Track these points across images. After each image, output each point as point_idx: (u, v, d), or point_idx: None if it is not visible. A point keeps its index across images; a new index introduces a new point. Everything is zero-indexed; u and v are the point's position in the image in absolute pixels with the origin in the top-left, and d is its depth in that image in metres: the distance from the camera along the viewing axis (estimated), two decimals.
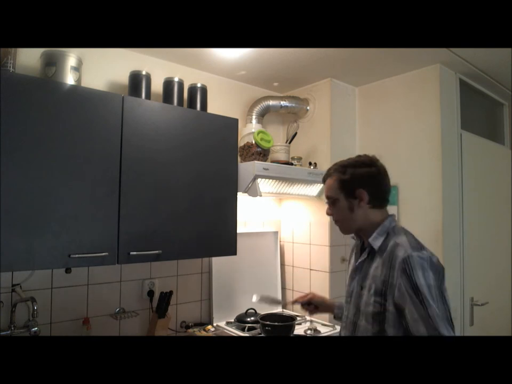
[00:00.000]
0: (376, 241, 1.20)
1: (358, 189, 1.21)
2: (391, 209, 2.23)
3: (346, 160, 1.27)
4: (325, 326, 2.20)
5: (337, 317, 1.50)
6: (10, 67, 1.50)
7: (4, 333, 1.55)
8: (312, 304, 1.54)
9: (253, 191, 1.94)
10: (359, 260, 1.26)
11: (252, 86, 2.50)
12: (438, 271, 1.10)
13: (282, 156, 2.31)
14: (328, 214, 1.31)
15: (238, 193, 1.94)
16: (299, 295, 1.62)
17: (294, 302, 1.58)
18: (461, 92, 2.30)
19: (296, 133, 2.38)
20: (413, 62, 2.14)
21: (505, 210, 2.63)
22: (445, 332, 1.02)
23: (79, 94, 1.48)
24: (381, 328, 1.12)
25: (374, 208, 1.23)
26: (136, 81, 1.82)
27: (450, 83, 2.23)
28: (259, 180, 1.95)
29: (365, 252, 1.24)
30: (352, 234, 1.34)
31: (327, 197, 1.28)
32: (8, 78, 1.33)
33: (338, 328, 2.15)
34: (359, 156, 1.28)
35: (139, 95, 1.79)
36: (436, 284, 1.07)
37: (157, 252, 1.63)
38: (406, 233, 1.21)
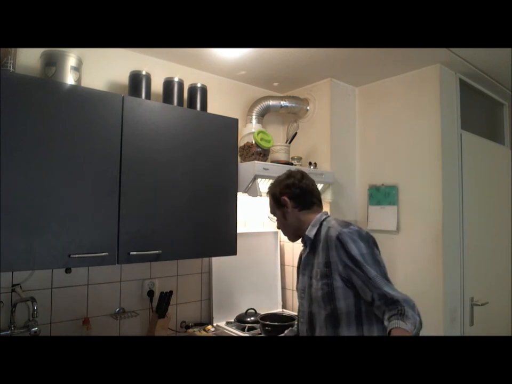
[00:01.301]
0: (310, 232, 1.39)
1: (281, 197, 1.42)
2: (391, 209, 2.26)
3: (277, 177, 1.51)
4: None
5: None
6: (10, 67, 1.50)
7: (4, 333, 1.55)
8: None
9: (253, 191, 1.94)
10: (304, 256, 1.43)
11: (252, 86, 2.50)
12: (368, 240, 1.28)
13: (282, 156, 2.31)
14: (277, 227, 1.52)
15: (238, 193, 1.94)
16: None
17: None
18: (461, 92, 2.30)
19: (296, 133, 2.38)
20: (413, 62, 2.14)
21: (505, 210, 2.63)
22: (387, 288, 1.19)
23: (79, 94, 1.48)
24: (333, 307, 1.28)
25: (304, 210, 1.42)
26: (136, 81, 1.82)
27: (450, 83, 2.23)
28: (259, 180, 1.95)
29: (307, 247, 1.41)
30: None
31: (271, 213, 1.52)
32: (8, 78, 1.33)
33: None
34: (285, 172, 1.50)
35: (139, 95, 1.79)
36: (368, 251, 1.25)
37: (157, 252, 1.63)
38: (336, 219, 1.39)
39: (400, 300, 1.16)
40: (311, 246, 1.39)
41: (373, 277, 1.21)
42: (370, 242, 1.29)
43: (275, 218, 1.50)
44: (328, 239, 1.30)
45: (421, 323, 1.15)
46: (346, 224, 1.33)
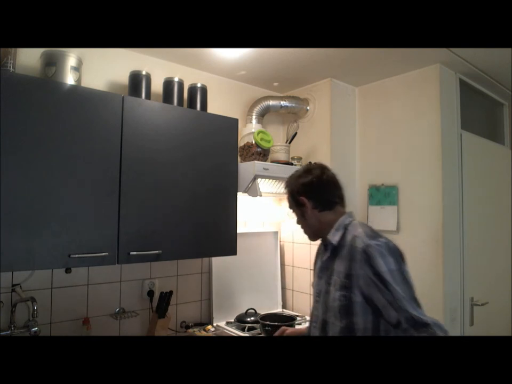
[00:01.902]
0: (334, 236, 1.27)
1: (299, 197, 1.31)
2: (391, 209, 2.26)
3: (295, 172, 1.39)
4: None
5: None
6: (10, 67, 1.50)
7: (4, 333, 1.55)
8: None
9: (253, 191, 1.94)
10: (323, 259, 1.32)
11: (252, 86, 2.50)
12: (397, 255, 1.16)
13: (282, 156, 2.31)
14: (296, 223, 1.40)
15: (238, 193, 1.94)
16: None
17: None
18: (461, 92, 2.30)
19: (296, 133, 2.38)
20: (413, 62, 2.14)
21: (505, 210, 2.63)
22: (413, 311, 1.08)
23: (79, 94, 1.48)
24: (349, 321, 1.17)
25: (325, 211, 1.30)
26: (136, 81, 1.82)
27: (450, 83, 2.23)
28: (259, 179, 1.95)
29: (328, 250, 1.30)
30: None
31: (290, 209, 1.40)
32: (8, 78, 1.33)
33: None
34: (303, 166, 1.40)
35: (139, 95, 1.79)
36: (396, 268, 1.12)
37: (157, 251, 1.63)
38: (362, 225, 1.27)
39: (430, 323, 1.06)
40: (332, 250, 1.28)
41: (400, 298, 1.09)
42: (399, 257, 1.16)
43: (294, 214, 1.39)
44: (352, 249, 1.18)
45: None
46: (375, 234, 1.21)
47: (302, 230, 1.40)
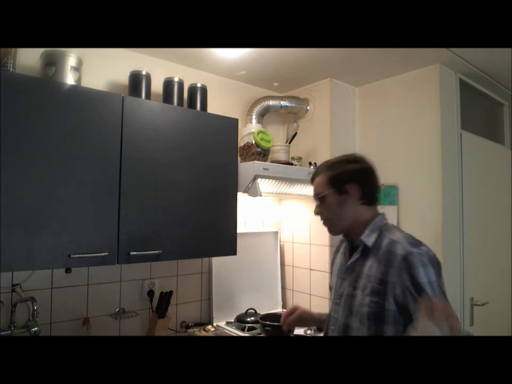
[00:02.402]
0: (369, 238, 1.18)
1: (348, 183, 1.18)
2: (391, 209, 2.26)
3: (334, 158, 1.27)
4: None
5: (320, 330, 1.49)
6: (10, 67, 1.50)
7: (4, 333, 1.55)
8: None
9: (253, 191, 1.94)
10: (351, 260, 1.22)
11: (252, 86, 2.50)
12: (437, 266, 1.10)
13: (282, 156, 2.31)
14: (316, 213, 1.27)
15: (238, 193, 1.94)
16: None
17: (284, 321, 1.43)
18: (461, 92, 2.30)
19: (296, 133, 2.38)
20: (413, 62, 2.14)
21: (505, 210, 2.63)
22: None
23: (79, 94, 1.48)
24: (378, 329, 1.10)
25: (364, 205, 1.21)
26: (136, 81, 1.82)
27: (450, 83, 2.23)
28: (259, 179, 1.95)
29: (357, 251, 1.21)
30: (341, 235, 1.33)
31: (316, 195, 1.25)
32: (8, 78, 1.33)
33: None
34: (346, 155, 1.27)
35: (139, 95, 1.79)
36: (436, 279, 1.07)
37: (157, 252, 1.63)
38: (400, 230, 1.20)
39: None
40: (362, 252, 1.19)
41: None
42: (439, 269, 1.10)
43: (321, 205, 1.25)
44: (391, 255, 1.11)
45: None
46: (416, 242, 1.13)
47: (324, 223, 1.27)
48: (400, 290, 1.07)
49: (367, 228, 1.19)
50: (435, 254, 1.12)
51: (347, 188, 1.19)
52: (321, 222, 1.28)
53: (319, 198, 1.24)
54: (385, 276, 1.10)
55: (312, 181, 1.28)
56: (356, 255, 1.21)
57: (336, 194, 1.20)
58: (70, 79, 1.59)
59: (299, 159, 2.35)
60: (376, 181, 1.24)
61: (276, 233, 2.55)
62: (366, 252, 1.18)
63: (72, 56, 1.61)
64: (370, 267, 1.15)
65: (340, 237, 1.37)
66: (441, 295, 1.05)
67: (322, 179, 1.23)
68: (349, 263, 1.23)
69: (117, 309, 1.90)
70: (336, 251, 1.37)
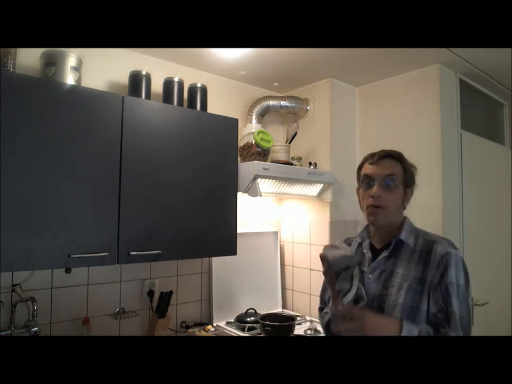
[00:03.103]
0: (408, 239, 1.19)
1: (414, 183, 1.23)
2: None
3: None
4: None
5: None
6: (10, 67, 1.50)
7: (4, 333, 1.55)
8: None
9: (253, 191, 1.94)
10: (377, 258, 1.20)
11: (252, 86, 2.50)
12: (467, 272, 1.13)
13: (282, 156, 2.31)
14: (375, 195, 1.18)
15: (238, 193, 1.94)
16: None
17: None
18: (461, 92, 2.30)
19: (296, 133, 2.38)
20: (413, 62, 2.14)
21: (505, 210, 2.63)
22: (453, 333, 1.04)
23: (79, 94, 1.48)
24: None
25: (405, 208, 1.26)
26: (136, 81, 1.82)
27: (450, 83, 2.23)
28: (259, 179, 1.95)
29: (386, 250, 1.20)
30: (359, 232, 1.35)
31: (389, 175, 1.19)
32: (8, 78, 1.33)
33: None
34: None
35: (139, 95, 1.79)
36: (464, 284, 1.09)
37: (157, 251, 1.63)
38: (429, 232, 1.24)
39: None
40: (393, 250, 1.19)
41: (453, 315, 1.05)
42: (468, 276, 1.13)
43: (385, 191, 1.19)
44: (430, 254, 1.12)
45: None
46: (453, 244, 1.17)
47: (378, 207, 1.18)
48: (434, 288, 1.09)
49: (403, 228, 1.20)
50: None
51: (413, 187, 1.23)
52: (370, 206, 1.20)
53: (390, 182, 1.19)
54: (424, 275, 1.11)
55: (380, 157, 1.22)
56: (384, 254, 1.20)
57: (403, 188, 1.21)
58: (70, 79, 1.59)
59: (299, 159, 2.35)
60: None
61: (275, 233, 2.55)
62: (397, 251, 1.18)
63: (72, 56, 1.61)
64: (405, 267, 1.14)
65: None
66: (464, 301, 1.08)
67: (398, 166, 1.21)
68: (376, 260, 1.21)
69: (117, 309, 1.90)
70: (357, 252, 1.30)
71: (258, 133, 2.15)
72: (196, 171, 1.78)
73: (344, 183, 2.41)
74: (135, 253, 1.57)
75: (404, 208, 1.25)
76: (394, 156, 1.23)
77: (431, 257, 1.12)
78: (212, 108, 2.11)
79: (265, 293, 2.45)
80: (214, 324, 2.16)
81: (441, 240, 1.16)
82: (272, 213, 2.60)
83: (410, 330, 1.05)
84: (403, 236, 1.19)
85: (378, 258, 1.21)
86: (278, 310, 2.46)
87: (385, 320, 1.11)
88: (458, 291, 1.08)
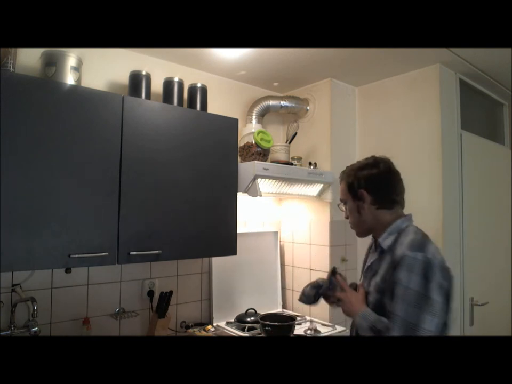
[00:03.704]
0: (385, 240, 1.22)
1: (360, 189, 1.25)
2: None
3: (357, 162, 1.33)
4: (325, 326, 2.20)
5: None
6: (10, 67, 1.50)
7: (4, 333, 1.55)
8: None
9: (253, 191, 1.94)
10: (372, 259, 1.28)
11: (252, 86, 2.50)
12: (431, 276, 1.05)
13: (282, 156, 2.31)
14: (345, 217, 1.35)
15: (238, 193, 1.94)
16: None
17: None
18: (461, 92, 2.30)
19: (296, 133, 2.38)
20: (413, 62, 2.14)
21: (505, 210, 2.63)
22: (395, 333, 1.04)
23: (79, 94, 1.48)
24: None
25: (383, 210, 1.25)
26: (136, 81, 1.82)
27: (450, 83, 2.23)
28: (259, 179, 1.95)
29: (376, 252, 1.26)
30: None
31: (341, 200, 1.35)
32: (8, 78, 1.33)
33: (338, 328, 2.16)
34: (368, 158, 1.32)
35: (139, 95, 1.79)
36: (418, 289, 1.04)
37: (157, 252, 1.63)
38: (416, 233, 1.19)
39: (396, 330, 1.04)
40: (380, 253, 1.24)
41: (396, 314, 1.05)
42: (430, 281, 1.05)
43: (346, 208, 1.32)
44: (393, 255, 1.14)
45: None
46: (420, 246, 1.12)
47: (350, 225, 1.33)
48: (388, 288, 1.12)
49: (386, 231, 1.23)
50: (440, 265, 1.09)
51: (360, 194, 1.25)
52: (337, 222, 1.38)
53: (344, 203, 1.33)
54: (386, 276, 1.15)
55: (340, 184, 1.36)
56: (375, 256, 1.27)
57: (354, 201, 1.28)
58: (70, 79, 1.59)
59: (299, 159, 2.35)
60: (394, 184, 1.27)
61: (276, 233, 2.55)
62: (383, 253, 1.22)
63: (72, 56, 1.61)
64: (383, 267, 1.19)
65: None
66: (413, 306, 1.03)
67: (343, 186, 1.32)
68: (369, 262, 1.30)
69: (117, 309, 1.90)
70: (368, 250, 1.40)
71: (258, 133, 2.15)
72: (196, 171, 1.78)
73: None
74: (135, 253, 1.57)
75: (360, 215, 1.27)
76: (340, 180, 1.35)
77: (393, 259, 1.13)
78: (212, 108, 2.11)
79: (265, 293, 2.45)
80: (214, 324, 2.16)
81: (406, 242, 1.14)
82: (272, 213, 2.60)
83: (366, 315, 1.15)
84: (381, 238, 1.23)
85: (372, 259, 1.28)
86: (278, 310, 2.46)
87: (356, 300, 1.23)
88: (405, 294, 1.05)
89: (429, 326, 1.01)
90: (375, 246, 1.29)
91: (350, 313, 1.24)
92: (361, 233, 1.33)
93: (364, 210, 1.26)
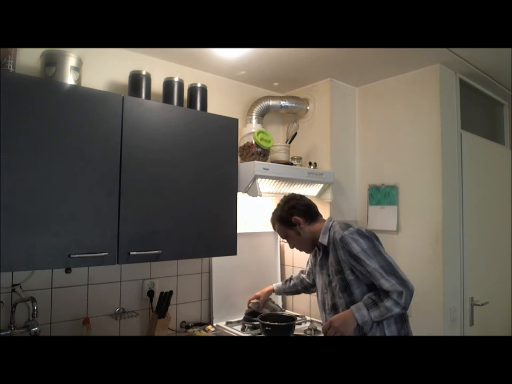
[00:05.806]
0: (323, 239, 1.60)
1: (292, 217, 1.63)
2: (391, 209, 2.26)
3: (277, 206, 1.72)
4: None
5: (278, 293, 2.09)
6: (10, 67, 1.50)
7: (4, 333, 1.55)
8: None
9: (253, 191, 1.94)
10: (319, 258, 1.66)
11: (252, 86, 2.50)
12: (368, 236, 1.49)
13: (282, 156, 2.31)
14: (291, 247, 1.74)
15: (238, 193, 1.94)
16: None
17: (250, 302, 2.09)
18: (461, 92, 2.30)
19: (296, 133, 2.38)
20: (413, 62, 2.14)
21: (505, 210, 2.63)
22: (382, 280, 1.39)
23: (79, 94, 1.48)
24: (350, 295, 1.50)
25: (313, 223, 1.64)
26: (136, 81, 1.82)
27: (450, 83, 2.23)
28: (259, 179, 1.95)
29: (320, 251, 1.64)
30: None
31: (282, 238, 1.76)
32: (8, 78, 1.33)
33: None
34: (281, 199, 1.72)
35: (139, 95, 1.79)
36: (369, 246, 1.46)
37: (157, 251, 1.63)
38: (340, 223, 1.59)
39: (391, 290, 1.37)
40: (323, 250, 1.62)
41: (371, 270, 1.41)
42: (371, 237, 1.50)
43: (288, 240, 1.71)
44: (335, 242, 1.53)
45: (402, 309, 1.37)
46: (347, 226, 1.55)
47: (298, 249, 1.72)
48: (349, 263, 1.48)
49: (320, 234, 1.62)
50: (366, 230, 1.53)
51: (294, 220, 1.63)
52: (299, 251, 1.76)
53: (286, 238, 1.71)
54: (338, 257, 1.52)
55: (274, 229, 1.76)
56: (320, 254, 1.65)
57: (291, 229, 1.65)
58: (70, 79, 1.59)
59: (299, 159, 2.35)
60: (309, 202, 1.69)
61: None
62: (325, 248, 1.61)
63: (72, 56, 1.61)
64: (331, 256, 1.57)
65: None
66: (375, 256, 1.44)
67: (277, 225, 1.71)
68: (318, 260, 1.67)
69: (117, 309, 1.90)
70: (312, 257, 1.79)
71: (258, 133, 2.15)
72: (196, 171, 1.78)
73: (344, 183, 2.41)
74: (135, 253, 1.57)
75: (300, 235, 1.65)
76: (273, 224, 1.75)
77: (336, 244, 1.52)
78: (212, 108, 2.11)
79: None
80: (214, 324, 2.16)
81: (337, 228, 1.55)
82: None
83: (358, 309, 1.42)
84: (320, 240, 1.61)
85: (319, 258, 1.66)
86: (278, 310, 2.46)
87: (341, 314, 1.47)
88: (366, 253, 1.44)
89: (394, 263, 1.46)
90: (318, 248, 1.65)
91: (347, 321, 1.43)
92: (309, 249, 1.70)
93: (302, 230, 1.63)
